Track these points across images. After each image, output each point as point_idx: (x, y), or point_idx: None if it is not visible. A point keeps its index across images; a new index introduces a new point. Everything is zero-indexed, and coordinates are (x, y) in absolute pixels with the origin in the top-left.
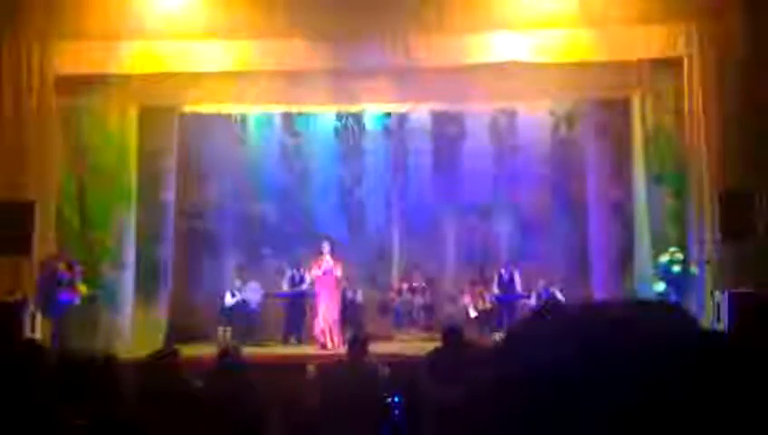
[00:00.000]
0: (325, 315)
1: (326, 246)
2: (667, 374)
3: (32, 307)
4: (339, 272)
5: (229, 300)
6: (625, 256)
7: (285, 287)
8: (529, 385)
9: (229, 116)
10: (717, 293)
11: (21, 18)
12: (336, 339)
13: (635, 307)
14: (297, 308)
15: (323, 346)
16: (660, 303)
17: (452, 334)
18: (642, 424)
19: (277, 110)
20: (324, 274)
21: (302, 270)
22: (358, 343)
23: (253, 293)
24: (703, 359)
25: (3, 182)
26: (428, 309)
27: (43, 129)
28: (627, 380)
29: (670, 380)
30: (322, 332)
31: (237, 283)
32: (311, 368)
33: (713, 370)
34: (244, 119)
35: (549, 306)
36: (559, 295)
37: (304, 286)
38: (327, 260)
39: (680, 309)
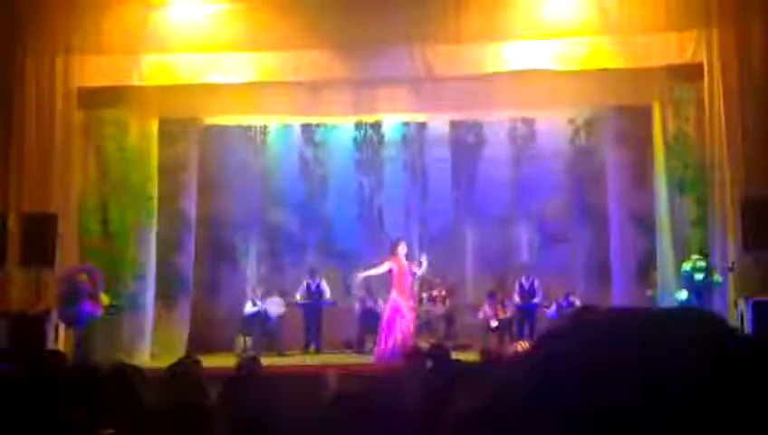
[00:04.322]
0: (397, 326)
1: (403, 248)
2: (702, 378)
3: (55, 318)
4: (417, 273)
5: (249, 310)
6: (646, 265)
7: (299, 297)
8: (561, 387)
9: (249, 127)
10: (741, 301)
11: (43, 32)
12: (391, 349)
13: (666, 312)
14: (315, 317)
15: (381, 359)
16: (692, 308)
17: (438, 352)
18: (675, 428)
19: (297, 120)
20: (401, 277)
21: (317, 279)
22: (417, 356)
23: (274, 306)
24: (737, 363)
25: (26, 194)
26: (448, 318)
27: (65, 141)
28: (661, 383)
29: (705, 383)
30: (389, 343)
31: (258, 293)
32: (332, 378)
33: (748, 374)
34: (263, 130)
35: (581, 310)
36: (578, 304)
37: (324, 296)
38: (402, 263)
39: (713, 314)
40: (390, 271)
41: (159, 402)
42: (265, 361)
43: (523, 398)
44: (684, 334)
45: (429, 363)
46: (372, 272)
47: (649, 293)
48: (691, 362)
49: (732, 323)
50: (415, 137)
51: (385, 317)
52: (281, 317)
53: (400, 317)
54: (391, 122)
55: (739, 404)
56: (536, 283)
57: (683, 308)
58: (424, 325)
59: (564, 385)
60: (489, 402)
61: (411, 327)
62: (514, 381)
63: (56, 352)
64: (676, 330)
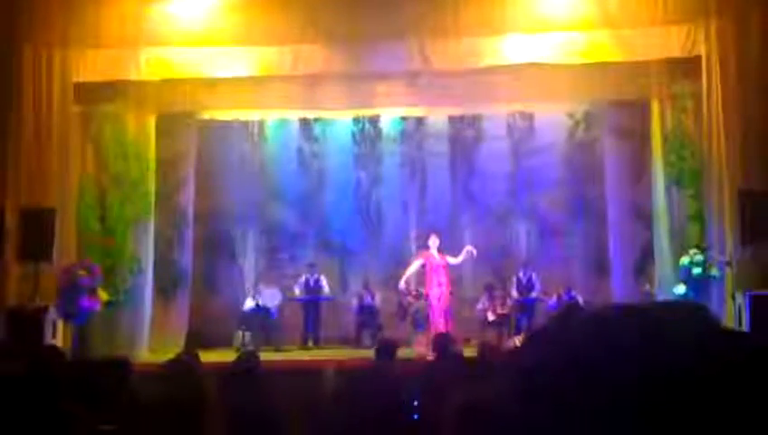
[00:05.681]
0: (436, 320)
1: (434, 241)
2: (692, 373)
3: (53, 313)
4: (449, 261)
5: (248, 305)
6: (644, 259)
7: (297, 292)
8: (555, 384)
9: (247, 122)
10: (738, 294)
11: (40, 26)
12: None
13: (657, 307)
14: (314, 313)
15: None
16: (683, 302)
17: (440, 342)
18: (667, 424)
19: (294, 115)
20: (432, 272)
21: (316, 274)
22: (386, 349)
23: (271, 298)
24: (728, 358)
25: (24, 189)
26: (447, 313)
27: (62, 136)
28: (653, 378)
29: (696, 379)
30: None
31: (258, 288)
32: (329, 372)
33: (738, 369)
34: (261, 124)
35: (570, 307)
36: (579, 298)
37: (323, 291)
38: (434, 256)
39: (703, 308)
40: (423, 266)
41: (158, 397)
42: (264, 356)
43: (520, 396)
44: (674, 331)
45: (432, 355)
46: (408, 272)
47: (647, 287)
48: (681, 359)
49: (720, 317)
50: (413, 131)
51: (431, 320)
52: (279, 311)
53: (445, 316)
54: (389, 117)
55: (729, 399)
56: (534, 276)
57: (672, 303)
58: (422, 320)
59: (555, 384)
60: (486, 400)
61: (444, 318)
62: (509, 380)
63: (53, 348)
64: (666, 327)
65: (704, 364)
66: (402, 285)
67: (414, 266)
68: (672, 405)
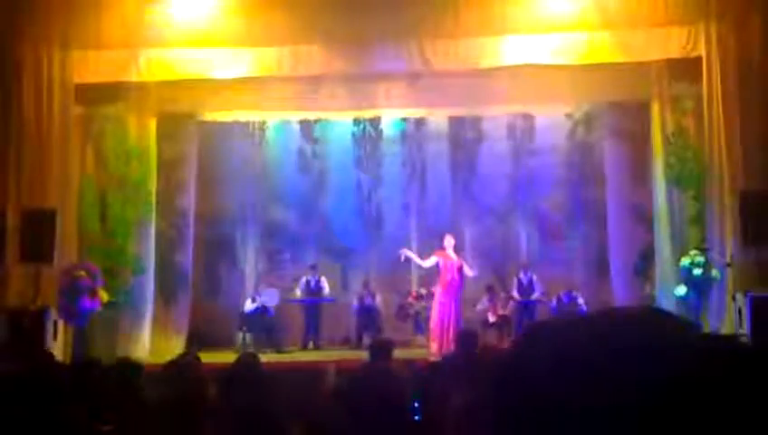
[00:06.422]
0: (440, 318)
1: (449, 240)
2: (671, 378)
3: (54, 314)
4: (464, 269)
5: (249, 306)
6: (645, 260)
7: (298, 293)
8: (548, 388)
9: (247, 123)
10: (739, 295)
11: (41, 27)
12: (446, 347)
13: (619, 317)
14: (314, 313)
15: (435, 351)
16: (647, 311)
17: (467, 339)
18: (649, 428)
19: (295, 116)
20: (446, 271)
21: (317, 275)
22: (381, 349)
23: (270, 298)
24: (715, 363)
25: (25, 190)
26: (456, 313)
27: (63, 137)
28: (646, 383)
29: (674, 384)
30: (436, 337)
31: (258, 289)
32: (330, 373)
33: (727, 374)
34: (262, 125)
35: (536, 325)
36: (579, 300)
37: (323, 293)
38: (450, 256)
39: (670, 315)
40: (437, 265)
41: (159, 398)
42: (264, 357)
43: (501, 401)
44: (662, 336)
45: (458, 349)
46: (417, 260)
47: (648, 288)
48: (668, 365)
49: (721, 318)
50: (413, 132)
51: (433, 319)
52: (278, 310)
53: (449, 315)
54: (390, 118)
55: (720, 403)
56: (534, 278)
57: (637, 311)
58: (423, 320)
59: (548, 388)
60: (479, 404)
61: (454, 318)
62: (496, 383)
63: (47, 353)
64: (654, 331)
65: (691, 370)
66: (415, 259)
67: (428, 262)
68: (662, 410)
